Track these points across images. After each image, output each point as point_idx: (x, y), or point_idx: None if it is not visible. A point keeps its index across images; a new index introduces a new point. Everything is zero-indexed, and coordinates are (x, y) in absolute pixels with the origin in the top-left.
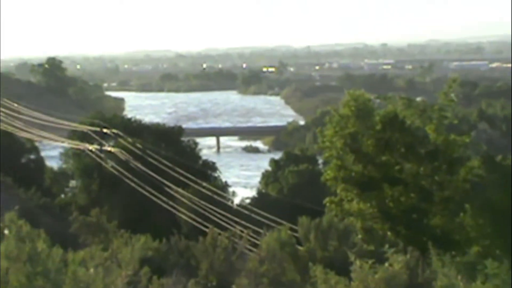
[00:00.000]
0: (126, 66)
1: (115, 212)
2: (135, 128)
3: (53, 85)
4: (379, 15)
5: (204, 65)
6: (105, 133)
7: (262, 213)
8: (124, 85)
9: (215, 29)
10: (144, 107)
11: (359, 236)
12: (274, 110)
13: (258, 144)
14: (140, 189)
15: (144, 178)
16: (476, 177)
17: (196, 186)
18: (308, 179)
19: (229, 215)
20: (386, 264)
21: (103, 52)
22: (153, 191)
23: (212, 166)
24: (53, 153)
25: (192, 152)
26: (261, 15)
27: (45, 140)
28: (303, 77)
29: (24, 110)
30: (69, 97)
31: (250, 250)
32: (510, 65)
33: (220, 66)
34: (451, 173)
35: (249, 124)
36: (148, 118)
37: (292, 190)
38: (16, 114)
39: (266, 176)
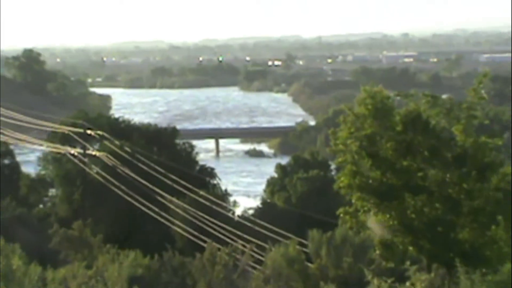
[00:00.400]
0: (113, 59)
1: (101, 224)
2: (123, 129)
3: (30, 81)
4: (399, 1)
5: (201, 58)
6: (89, 135)
7: (267, 225)
8: (110, 81)
9: (213, 17)
10: (134, 105)
11: (377, 251)
12: (281, 109)
13: (263, 147)
14: (129, 199)
15: (133, 186)
16: (510, 185)
17: (192, 195)
18: (319, 187)
19: (229, 228)
20: (408, 284)
21: (87, 43)
22: (143, 201)
23: (210, 173)
24: (30, 157)
25: (187, 157)
26: (266, 1)
27: (21, 143)
28: (314, 72)
29: None
30: (49, 94)
31: (254, 268)
32: None
33: (220, 59)
34: (482, 180)
35: (253, 125)
36: (138, 117)
37: (301, 200)
38: None
39: (271, 184)
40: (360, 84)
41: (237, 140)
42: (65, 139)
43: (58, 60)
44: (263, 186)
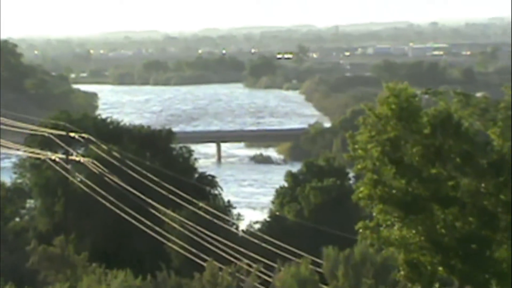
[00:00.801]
0: (101, 51)
1: (86, 240)
2: (111, 132)
3: (5, 76)
4: None
5: (201, 50)
6: (73, 138)
7: (276, 242)
8: (97, 76)
9: (215, 3)
10: (123, 104)
11: (402, 272)
12: (292, 109)
13: (271, 152)
14: (117, 211)
15: (123, 196)
16: None
17: (190, 207)
18: (335, 198)
19: (233, 245)
20: None
21: (70, 33)
22: (134, 214)
23: (211, 181)
24: (4, 164)
25: (185, 163)
26: None
27: None
28: (329, 66)
29: None
30: (26, 92)
31: None
32: None
33: (224, 51)
34: None
35: (259, 127)
36: (129, 118)
37: (315, 213)
38: None
39: (281, 194)
40: (383, 80)
41: (241, 145)
42: (45, 143)
43: (36, 52)
44: (268, 197)
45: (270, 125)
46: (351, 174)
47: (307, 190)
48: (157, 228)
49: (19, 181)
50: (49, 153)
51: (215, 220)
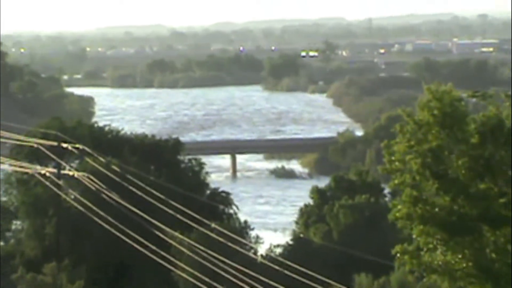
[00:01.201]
0: (99, 49)
1: (81, 267)
2: (110, 142)
3: None
4: None
5: (213, 48)
6: (66, 150)
7: (300, 268)
8: (93, 78)
9: None
10: (124, 110)
11: None
12: (318, 115)
13: (294, 165)
14: (117, 233)
15: (123, 216)
16: None
17: (201, 229)
18: (368, 218)
19: (250, 272)
20: None
21: (62, 29)
22: (137, 236)
23: (225, 199)
24: None
25: (195, 178)
26: None
27: None
28: (361, 66)
29: None
30: (12, 96)
31: None
32: None
33: (241, 48)
34: None
35: (280, 136)
36: (130, 126)
37: (345, 234)
38: None
39: (305, 213)
40: (423, 81)
41: (260, 156)
42: (34, 155)
43: (23, 50)
44: (285, 216)
45: (293, 133)
46: (386, 190)
47: (336, 208)
48: (163, 253)
49: (4, 199)
50: (38, 167)
51: (230, 244)
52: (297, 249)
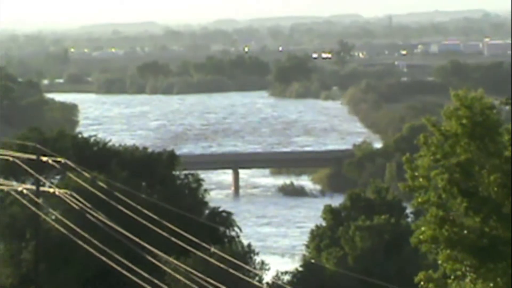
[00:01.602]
0: (84, 50)
1: None
2: (96, 155)
3: None
4: None
5: (213, 49)
6: (45, 163)
7: None
8: (77, 82)
9: None
10: (112, 118)
11: None
12: (331, 124)
13: (304, 181)
14: (104, 258)
15: (111, 239)
16: None
17: (199, 253)
18: (388, 241)
19: None
20: None
21: (42, 27)
22: (126, 262)
23: (226, 219)
24: None
25: (192, 196)
26: None
27: None
28: (380, 69)
29: None
30: None
31: None
32: None
33: (246, 49)
34: None
35: (289, 149)
36: (118, 137)
37: (362, 260)
38: None
39: (317, 236)
40: (450, 87)
41: (266, 171)
42: (10, 170)
43: None
44: (288, 239)
45: (303, 146)
46: (409, 210)
47: (352, 230)
48: (156, 281)
49: None
50: (14, 183)
51: (232, 270)
52: (307, 276)
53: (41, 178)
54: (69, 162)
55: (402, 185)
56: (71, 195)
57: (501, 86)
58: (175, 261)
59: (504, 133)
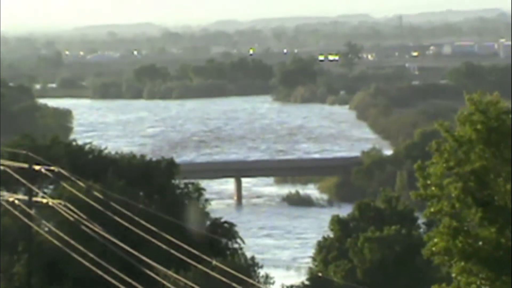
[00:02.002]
0: (81, 53)
1: None
2: (91, 164)
3: None
4: None
5: (214, 51)
6: (38, 173)
7: None
8: (71, 87)
9: None
10: (108, 125)
11: None
12: (339, 130)
13: (311, 190)
14: (99, 272)
15: (107, 251)
16: None
17: (200, 266)
18: (399, 253)
19: None
20: None
21: (34, 29)
22: (123, 275)
23: (228, 231)
24: None
25: (192, 206)
26: None
27: None
28: (390, 72)
29: None
30: None
31: None
32: None
33: (251, 51)
34: None
35: (294, 156)
36: (115, 144)
37: (372, 273)
38: None
39: (324, 248)
40: (464, 90)
41: (270, 180)
42: (0, 180)
43: None
44: (289, 251)
45: (308, 153)
46: (421, 220)
47: (361, 242)
48: None
49: None
50: (5, 194)
51: (234, 284)
52: None
53: (33, 187)
54: (63, 171)
55: (414, 194)
56: (65, 206)
57: None
58: (175, 275)
59: None
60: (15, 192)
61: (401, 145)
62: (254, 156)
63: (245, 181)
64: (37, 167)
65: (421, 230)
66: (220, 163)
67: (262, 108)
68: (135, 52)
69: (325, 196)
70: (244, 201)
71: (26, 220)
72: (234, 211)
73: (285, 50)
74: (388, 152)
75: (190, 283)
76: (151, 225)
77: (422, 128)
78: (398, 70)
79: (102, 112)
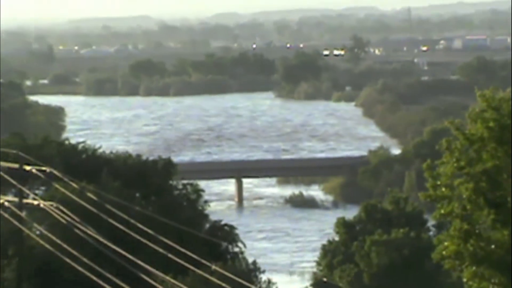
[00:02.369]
0: (74, 47)
1: None
2: (84, 164)
3: None
4: None
5: (213, 45)
6: (29, 173)
7: None
8: (64, 83)
9: None
10: (102, 123)
11: None
12: (345, 128)
13: (315, 191)
14: (94, 278)
15: (101, 256)
16: None
17: (198, 271)
18: (407, 257)
19: None
20: None
21: (24, 23)
22: (118, 281)
23: (228, 234)
24: None
25: (191, 208)
26: None
27: None
28: (399, 67)
29: None
30: None
31: None
32: None
33: (254, 46)
34: None
35: (297, 156)
36: (109, 143)
37: (379, 278)
38: None
39: (329, 252)
40: (476, 87)
41: (272, 181)
42: None
43: None
44: (287, 255)
45: (313, 152)
46: (430, 223)
47: (367, 245)
48: None
49: None
50: None
51: None
52: None
53: (24, 189)
54: (55, 172)
55: (423, 195)
56: (57, 208)
57: None
58: (173, 280)
59: None
60: (4, 193)
61: (410, 143)
62: (256, 155)
63: (246, 182)
64: (28, 168)
65: (431, 233)
66: (220, 163)
67: (264, 105)
68: (131, 47)
69: (330, 198)
70: (245, 202)
71: (16, 223)
72: (235, 213)
73: (288, 44)
74: (396, 151)
75: None
76: (148, 228)
77: (431, 126)
78: (406, 65)
79: (96, 109)
